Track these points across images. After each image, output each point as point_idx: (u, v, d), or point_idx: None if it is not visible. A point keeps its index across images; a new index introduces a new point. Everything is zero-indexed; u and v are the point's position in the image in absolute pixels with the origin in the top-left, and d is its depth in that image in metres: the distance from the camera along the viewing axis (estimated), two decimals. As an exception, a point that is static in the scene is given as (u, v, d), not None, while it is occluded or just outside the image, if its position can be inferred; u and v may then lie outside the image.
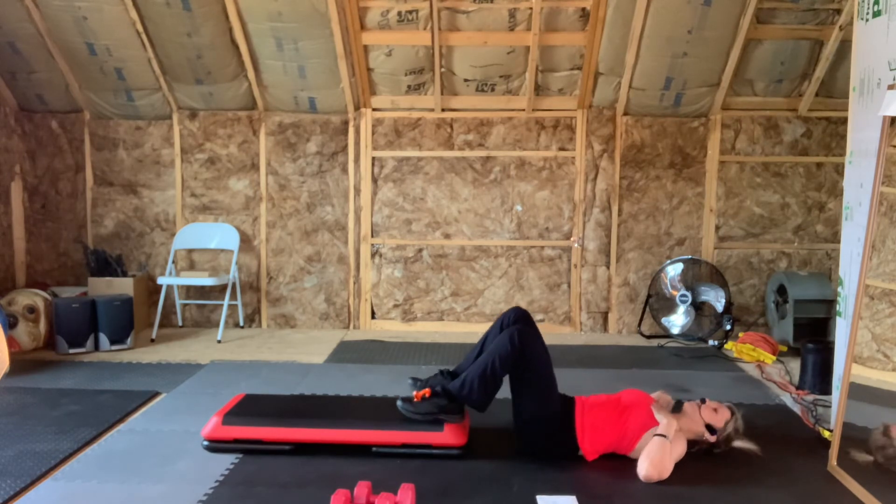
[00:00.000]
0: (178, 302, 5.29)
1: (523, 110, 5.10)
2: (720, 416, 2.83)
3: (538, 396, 2.83)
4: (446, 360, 4.29)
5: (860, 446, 2.74)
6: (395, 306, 5.27)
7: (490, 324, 5.13)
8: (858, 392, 2.80)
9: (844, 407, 2.78)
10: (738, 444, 2.81)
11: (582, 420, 2.84)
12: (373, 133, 5.16)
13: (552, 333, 4.86)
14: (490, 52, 4.81)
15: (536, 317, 4.86)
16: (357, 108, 5.14)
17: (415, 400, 2.85)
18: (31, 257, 5.39)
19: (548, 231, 5.21)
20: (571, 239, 5.19)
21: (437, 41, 4.71)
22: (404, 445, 2.86)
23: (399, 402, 2.87)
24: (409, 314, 5.28)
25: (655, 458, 2.64)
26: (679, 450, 2.73)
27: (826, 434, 3.07)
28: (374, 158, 5.18)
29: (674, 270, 5.02)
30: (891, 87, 2.64)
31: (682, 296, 4.92)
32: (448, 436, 2.84)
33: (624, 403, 2.91)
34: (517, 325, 2.92)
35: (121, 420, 3.33)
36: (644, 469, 2.64)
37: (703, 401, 2.89)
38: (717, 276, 5.03)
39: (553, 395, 2.86)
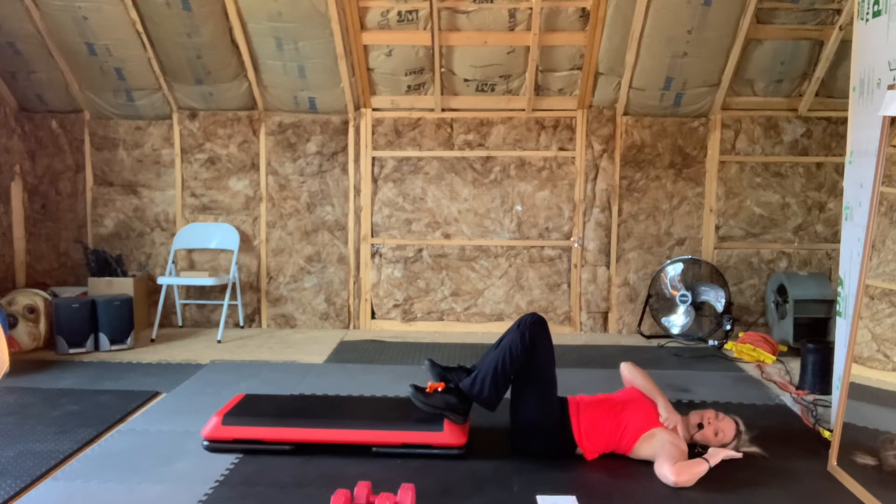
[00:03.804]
0: (178, 302, 5.29)
1: (523, 110, 5.10)
2: (719, 439, 2.80)
3: (538, 400, 2.82)
4: (446, 361, 4.27)
5: (864, 449, 2.74)
6: (395, 306, 5.27)
7: (490, 323, 5.18)
8: (858, 392, 2.80)
9: (844, 407, 2.78)
10: (744, 449, 2.79)
11: (578, 419, 2.84)
12: (373, 133, 5.16)
13: (552, 333, 4.86)
14: (490, 52, 4.81)
15: (536, 317, 4.85)
16: (357, 108, 5.14)
17: (427, 391, 2.85)
18: (31, 257, 5.39)
19: (548, 231, 5.21)
20: (571, 239, 5.19)
21: (437, 41, 4.71)
22: (404, 445, 2.86)
23: (410, 389, 2.87)
24: (409, 314, 5.28)
25: (683, 466, 2.63)
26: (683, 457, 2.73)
27: (826, 434, 3.07)
28: (374, 158, 5.18)
29: (674, 270, 5.02)
30: (891, 87, 2.64)
31: (682, 296, 4.92)
32: (448, 436, 2.84)
33: (621, 402, 2.91)
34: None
35: (121, 420, 3.33)
36: (672, 475, 2.61)
37: (700, 426, 2.82)
38: (717, 276, 5.03)
39: (553, 401, 2.86)
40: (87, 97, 5.16)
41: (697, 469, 2.64)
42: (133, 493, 2.59)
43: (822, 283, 4.69)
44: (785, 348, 4.64)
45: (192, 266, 5.29)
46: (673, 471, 2.61)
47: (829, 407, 3.31)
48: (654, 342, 4.98)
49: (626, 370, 3.06)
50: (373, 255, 5.25)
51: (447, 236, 5.23)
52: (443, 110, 5.12)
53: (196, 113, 5.20)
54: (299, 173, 5.22)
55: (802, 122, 5.08)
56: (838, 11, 4.54)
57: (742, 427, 2.84)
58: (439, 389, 2.85)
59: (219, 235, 5.23)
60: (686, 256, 5.11)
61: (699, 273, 5.07)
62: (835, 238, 5.08)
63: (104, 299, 4.65)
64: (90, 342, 4.59)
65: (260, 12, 4.55)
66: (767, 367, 4.29)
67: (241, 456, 2.89)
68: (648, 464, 2.75)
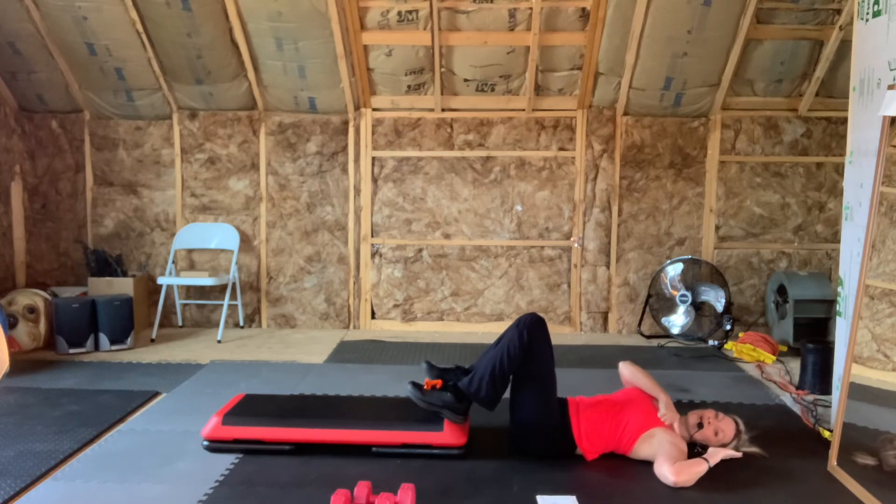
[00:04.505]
0: (178, 302, 5.29)
1: (523, 110, 5.10)
2: (719, 439, 2.80)
3: (538, 400, 2.82)
4: (446, 361, 4.28)
5: (864, 449, 2.74)
6: (395, 306, 5.27)
7: (490, 323, 5.18)
8: (858, 392, 2.80)
9: (844, 407, 2.78)
10: (744, 449, 2.80)
11: (578, 420, 2.84)
12: (373, 133, 5.16)
13: (552, 333, 4.89)
14: (490, 52, 4.81)
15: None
16: (357, 108, 5.14)
17: (425, 388, 2.85)
18: (31, 257, 5.39)
19: (548, 231, 5.21)
20: (571, 239, 5.19)
21: (437, 41, 4.71)
22: (404, 445, 2.86)
23: (409, 386, 2.87)
24: (409, 314, 5.28)
25: (682, 466, 2.64)
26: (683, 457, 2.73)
27: (826, 434, 3.07)
28: (374, 158, 5.18)
29: (674, 270, 5.02)
30: (891, 87, 2.64)
31: (682, 296, 4.92)
32: (448, 436, 2.84)
33: (621, 403, 2.91)
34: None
35: (121, 420, 3.33)
36: (672, 475, 2.61)
37: (700, 426, 2.82)
38: (717, 276, 5.03)
39: (553, 401, 2.86)
40: (87, 97, 5.16)
41: (697, 469, 2.64)
42: (133, 493, 2.59)
43: (822, 283, 4.69)
44: (785, 348, 4.64)
45: (192, 266, 5.29)
46: (672, 470, 2.61)
47: (829, 407, 3.31)
48: (654, 342, 4.98)
49: (626, 370, 3.06)
50: (373, 255, 5.25)
51: (447, 236, 5.23)
52: (443, 110, 5.12)
53: (196, 113, 5.20)
54: (299, 173, 5.22)
55: (802, 122, 5.08)
56: (838, 11, 4.54)
57: (742, 427, 2.84)
58: (437, 387, 2.85)
59: (219, 235, 5.23)
60: (686, 256, 5.11)
61: (699, 273, 5.07)
62: (835, 238, 5.08)
63: (104, 299, 4.65)
64: (90, 342, 4.59)
65: (260, 12, 4.55)
66: (767, 367, 4.29)
67: (241, 456, 2.89)
68: (648, 464, 2.75)
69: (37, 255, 5.39)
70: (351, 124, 5.17)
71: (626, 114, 5.10)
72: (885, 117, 2.69)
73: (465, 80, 4.99)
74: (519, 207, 5.19)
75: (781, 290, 4.79)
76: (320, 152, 5.20)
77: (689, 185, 5.15)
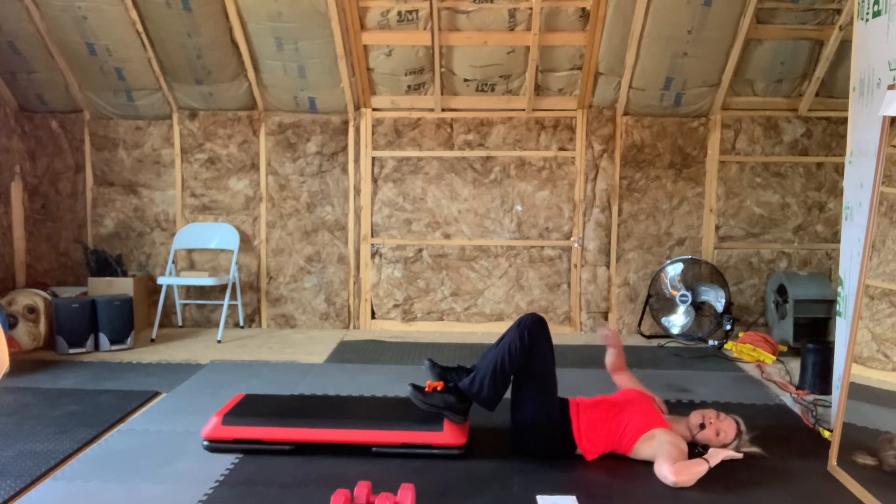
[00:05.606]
0: (178, 302, 5.29)
1: (523, 110, 5.10)
2: (721, 439, 2.80)
3: (539, 400, 2.82)
4: (446, 361, 4.27)
5: (864, 449, 2.74)
6: (395, 306, 5.27)
7: (490, 323, 5.18)
8: (858, 392, 2.81)
9: (844, 407, 2.79)
10: (744, 449, 2.80)
11: (578, 420, 2.84)
12: (373, 133, 5.16)
13: (552, 333, 4.89)
14: (490, 52, 4.81)
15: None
16: (357, 108, 5.14)
17: (426, 390, 2.85)
18: (31, 257, 5.39)
19: (548, 231, 5.21)
20: (571, 239, 5.19)
21: (437, 41, 4.71)
22: (404, 445, 2.86)
23: (410, 388, 2.87)
24: (409, 314, 5.28)
25: (682, 466, 2.64)
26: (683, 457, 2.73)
27: (826, 434, 3.08)
28: (374, 158, 5.18)
29: (674, 270, 5.02)
30: (891, 87, 2.64)
31: (682, 296, 4.92)
32: (448, 436, 2.84)
33: (621, 403, 2.91)
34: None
35: (121, 420, 3.33)
36: (672, 475, 2.61)
37: (702, 426, 2.82)
38: (717, 276, 5.03)
39: (553, 401, 2.86)
40: (87, 97, 5.16)
41: (697, 469, 2.64)
42: (133, 493, 2.59)
43: (822, 283, 4.69)
44: (785, 348, 4.64)
45: (192, 266, 5.29)
46: (672, 470, 2.61)
47: (829, 407, 3.31)
48: (654, 342, 4.98)
49: (618, 378, 3.11)
50: (373, 255, 5.25)
51: (447, 236, 5.23)
52: (443, 110, 5.12)
53: (196, 113, 5.20)
54: (299, 173, 5.22)
55: (802, 122, 5.08)
56: (838, 11, 4.54)
57: (743, 427, 2.84)
58: (438, 388, 2.85)
59: (219, 235, 5.23)
60: (686, 256, 5.11)
61: (699, 273, 5.07)
62: (835, 238, 5.08)
63: (104, 299, 4.65)
64: (90, 342, 4.59)
65: (260, 12, 4.55)
66: (767, 367, 4.29)
67: (241, 456, 2.89)
68: (648, 464, 2.75)
69: (37, 255, 5.39)
70: (351, 124, 5.17)
71: (626, 114, 5.10)
72: (885, 117, 2.69)
73: (465, 80, 4.98)
74: (519, 207, 5.19)
75: (781, 290, 4.79)
76: (320, 152, 5.20)
77: (689, 185, 5.15)
